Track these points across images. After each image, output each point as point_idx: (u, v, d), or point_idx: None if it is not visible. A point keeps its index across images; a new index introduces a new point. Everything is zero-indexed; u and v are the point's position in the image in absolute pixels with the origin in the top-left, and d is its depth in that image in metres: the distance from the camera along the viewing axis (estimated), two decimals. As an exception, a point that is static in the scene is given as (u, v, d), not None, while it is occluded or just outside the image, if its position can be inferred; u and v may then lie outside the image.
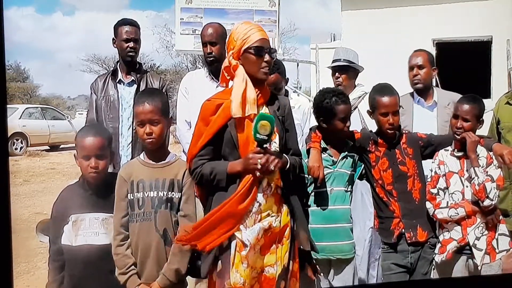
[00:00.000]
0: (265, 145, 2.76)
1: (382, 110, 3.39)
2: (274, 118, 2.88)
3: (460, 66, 10.06)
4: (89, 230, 3.05)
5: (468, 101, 3.41)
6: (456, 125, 3.37)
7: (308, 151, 3.31)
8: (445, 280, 3.33)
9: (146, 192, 2.99)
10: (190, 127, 4.09)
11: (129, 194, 3.00)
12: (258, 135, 2.68)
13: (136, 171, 3.05)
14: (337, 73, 4.37)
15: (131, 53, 4.25)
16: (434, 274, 3.38)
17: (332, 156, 3.33)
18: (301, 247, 2.98)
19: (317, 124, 3.45)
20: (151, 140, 3.00)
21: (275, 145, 2.90)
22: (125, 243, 2.97)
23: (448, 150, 3.45)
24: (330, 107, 3.28)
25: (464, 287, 3.25)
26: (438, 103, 4.02)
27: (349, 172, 3.37)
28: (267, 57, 2.87)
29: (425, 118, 4.00)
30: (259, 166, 2.72)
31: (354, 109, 4.18)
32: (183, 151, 4.19)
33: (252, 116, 2.82)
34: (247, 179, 2.79)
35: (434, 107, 4.04)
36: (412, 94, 4.12)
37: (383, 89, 3.46)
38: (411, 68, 4.10)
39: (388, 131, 3.41)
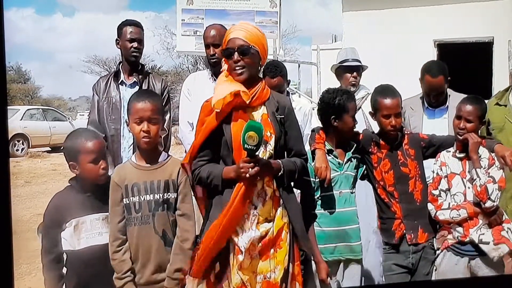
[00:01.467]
0: (256, 153, 2.76)
1: (384, 112, 3.38)
2: (272, 119, 2.92)
3: (462, 67, 10.04)
4: (92, 232, 3.05)
5: (471, 102, 3.40)
6: (459, 125, 3.36)
7: (313, 153, 3.30)
8: (447, 281, 3.32)
9: (142, 196, 2.99)
10: (193, 129, 4.09)
11: (124, 199, 3.00)
12: (246, 145, 2.69)
13: (129, 174, 3.03)
14: (354, 73, 4.36)
15: (135, 54, 4.25)
16: (435, 275, 3.38)
17: (337, 158, 3.32)
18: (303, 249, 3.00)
19: (318, 125, 3.45)
20: (148, 139, 2.99)
21: (270, 147, 2.90)
22: (122, 248, 2.98)
23: (450, 151, 3.44)
24: (343, 104, 3.28)
25: (466, 288, 3.25)
26: (450, 105, 3.94)
27: (354, 174, 3.38)
28: (235, 56, 2.87)
29: (436, 120, 3.99)
30: (247, 175, 2.74)
31: (358, 109, 4.17)
32: (185, 152, 4.19)
33: (243, 102, 2.87)
34: (239, 188, 2.80)
35: (446, 110, 3.99)
36: (422, 98, 4.07)
37: (385, 90, 3.45)
38: (428, 93, 4.00)
39: (391, 132, 3.41)
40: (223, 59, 3.03)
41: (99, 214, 3.07)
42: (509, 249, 3.24)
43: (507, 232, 3.28)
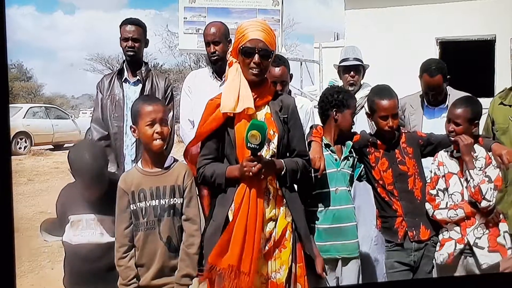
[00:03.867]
0: (259, 153, 2.77)
1: (382, 113, 3.38)
2: (275, 118, 2.92)
3: (464, 65, 10.04)
4: (87, 231, 3.08)
5: (460, 104, 3.38)
6: (448, 128, 3.36)
7: (308, 145, 3.31)
8: (448, 279, 3.32)
9: (148, 201, 2.99)
10: (194, 126, 4.09)
11: (131, 205, 3.00)
12: (249, 144, 2.70)
13: (135, 180, 3.03)
14: (352, 72, 4.34)
15: (129, 52, 4.24)
16: (434, 272, 3.38)
17: (335, 154, 3.33)
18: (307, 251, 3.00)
19: (318, 123, 3.46)
20: (161, 141, 2.99)
21: (273, 146, 2.91)
22: (128, 254, 2.99)
23: (447, 151, 3.43)
24: (346, 99, 3.33)
25: (467, 286, 3.24)
26: (450, 104, 3.85)
27: (350, 172, 3.38)
28: (256, 58, 2.85)
29: (435, 118, 3.98)
30: (251, 174, 2.75)
31: (361, 108, 4.17)
32: (186, 150, 4.20)
33: (248, 113, 2.86)
34: (243, 189, 2.82)
35: (446, 109, 3.89)
36: (422, 96, 4.07)
37: (383, 91, 3.45)
38: (426, 92, 4.01)
39: (387, 133, 3.41)
40: (229, 53, 3.02)
41: (95, 215, 3.10)
42: (502, 258, 3.24)
43: (503, 237, 3.28)
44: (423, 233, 3.36)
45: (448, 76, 3.98)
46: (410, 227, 3.36)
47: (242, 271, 2.76)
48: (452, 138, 3.34)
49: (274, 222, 2.90)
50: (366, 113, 3.54)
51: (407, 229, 3.36)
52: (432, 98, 4.00)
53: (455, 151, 3.39)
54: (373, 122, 3.50)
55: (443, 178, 3.39)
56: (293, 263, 2.93)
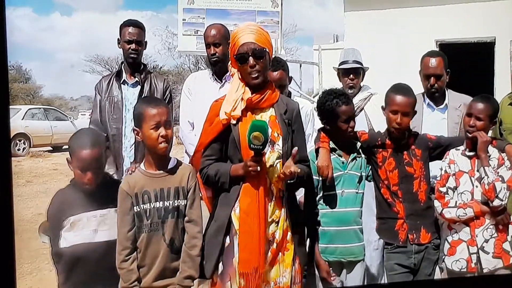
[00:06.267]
0: (262, 152, 2.77)
1: (393, 107, 3.35)
2: (280, 121, 2.93)
3: (463, 67, 10.02)
4: (88, 229, 3.04)
5: (482, 100, 3.39)
6: (469, 123, 3.35)
7: (316, 151, 3.29)
8: (449, 280, 3.32)
9: (152, 203, 2.98)
10: (193, 128, 4.09)
11: (135, 207, 2.98)
12: (252, 145, 2.71)
13: (139, 182, 3.02)
14: (351, 75, 4.32)
15: (132, 55, 4.22)
16: (439, 275, 3.37)
17: (341, 157, 3.30)
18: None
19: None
20: (166, 144, 2.98)
21: (278, 147, 2.92)
22: (130, 257, 2.96)
23: (459, 149, 3.42)
24: (331, 109, 3.25)
25: (468, 287, 3.24)
26: (449, 105, 3.95)
27: (359, 174, 3.34)
28: (250, 61, 2.85)
29: (435, 120, 3.96)
30: (256, 171, 2.77)
31: (361, 110, 4.15)
32: (186, 151, 4.19)
33: (251, 115, 2.87)
34: (248, 189, 2.84)
35: (445, 110, 3.98)
36: (423, 95, 4.03)
37: (400, 88, 3.43)
38: (427, 76, 3.97)
39: (394, 130, 3.37)
40: (229, 63, 3.02)
41: (96, 212, 3.06)
42: (503, 265, 3.24)
43: (509, 242, 3.27)
44: (424, 236, 3.35)
45: (448, 70, 3.98)
46: (411, 230, 3.34)
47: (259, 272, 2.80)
48: (470, 135, 3.34)
49: (276, 224, 2.90)
50: (381, 106, 3.47)
51: (407, 232, 3.35)
52: (433, 87, 3.95)
53: (467, 149, 3.38)
54: (385, 116, 3.41)
55: (454, 176, 3.38)
56: (293, 266, 2.94)
